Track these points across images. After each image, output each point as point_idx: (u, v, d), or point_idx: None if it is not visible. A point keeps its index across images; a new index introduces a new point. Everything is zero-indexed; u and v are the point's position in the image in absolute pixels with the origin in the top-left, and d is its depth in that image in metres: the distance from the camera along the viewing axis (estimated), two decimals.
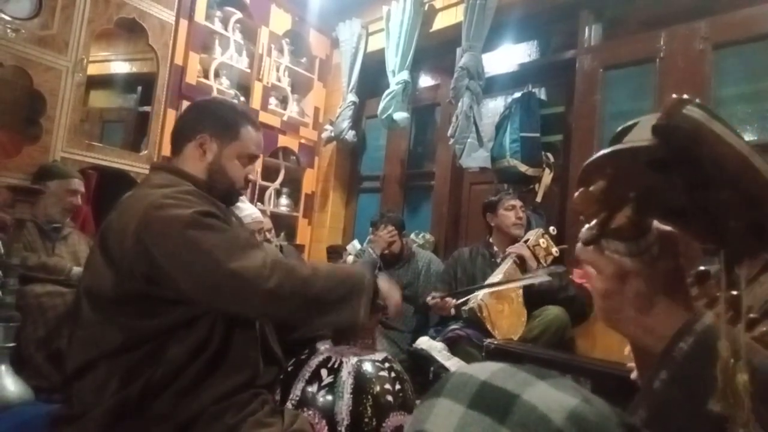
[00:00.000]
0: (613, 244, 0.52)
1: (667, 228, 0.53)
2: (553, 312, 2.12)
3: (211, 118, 1.19)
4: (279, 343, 1.24)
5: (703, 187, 0.45)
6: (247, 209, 2.34)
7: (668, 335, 0.49)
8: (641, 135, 0.47)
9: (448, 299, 2.25)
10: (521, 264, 2.27)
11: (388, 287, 1.14)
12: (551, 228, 2.45)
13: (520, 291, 2.23)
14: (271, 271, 0.96)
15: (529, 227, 2.48)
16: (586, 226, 0.51)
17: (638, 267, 0.51)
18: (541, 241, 2.33)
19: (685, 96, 0.44)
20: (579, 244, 0.55)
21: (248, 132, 1.21)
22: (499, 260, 2.39)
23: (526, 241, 2.34)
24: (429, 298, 2.32)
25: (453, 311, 2.25)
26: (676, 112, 0.44)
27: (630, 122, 0.50)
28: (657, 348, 0.50)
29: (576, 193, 0.50)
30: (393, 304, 1.14)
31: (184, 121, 1.23)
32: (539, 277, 2.09)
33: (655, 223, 0.52)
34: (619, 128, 0.51)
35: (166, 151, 1.31)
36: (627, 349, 1.38)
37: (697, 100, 0.44)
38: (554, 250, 2.35)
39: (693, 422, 0.45)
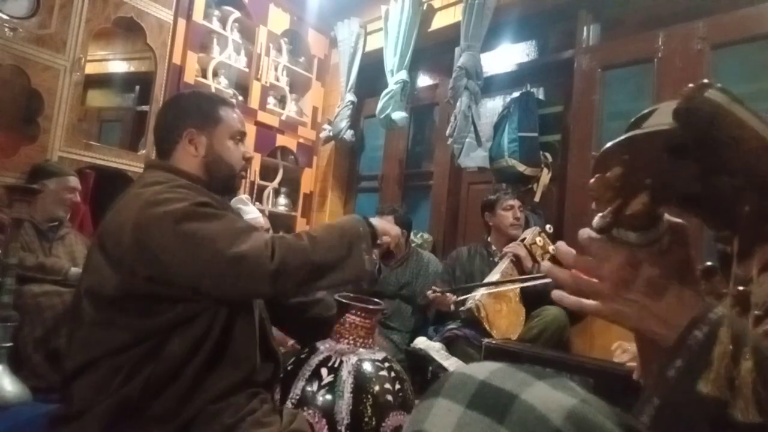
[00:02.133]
0: (623, 233, 0.51)
1: (678, 220, 0.53)
2: (552, 312, 2.12)
3: (189, 112, 1.19)
4: (299, 324, 1.25)
5: (719, 172, 0.45)
6: (250, 212, 2.32)
7: (681, 324, 0.48)
8: (661, 120, 0.47)
9: (449, 294, 2.25)
10: (518, 263, 2.28)
11: (383, 225, 1.15)
12: (548, 226, 2.46)
13: (518, 290, 2.23)
14: (273, 250, 0.97)
15: (527, 227, 2.48)
16: (599, 214, 0.51)
17: (650, 256, 0.51)
18: (538, 239, 2.34)
19: (707, 80, 0.44)
20: (584, 233, 0.54)
21: (227, 112, 1.21)
22: (497, 259, 2.39)
23: (522, 240, 2.34)
24: (430, 292, 2.31)
25: (453, 307, 2.24)
26: (698, 96, 0.44)
27: (647, 109, 0.50)
28: (668, 338, 0.49)
29: (592, 179, 0.50)
30: (392, 238, 1.16)
31: (165, 123, 1.21)
32: (543, 278, 2.09)
33: (666, 215, 0.52)
34: (636, 115, 0.50)
35: (155, 148, 1.31)
36: (615, 345, 1.37)
37: (719, 84, 0.44)
38: (551, 248, 2.35)
39: (707, 410, 0.45)
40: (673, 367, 0.47)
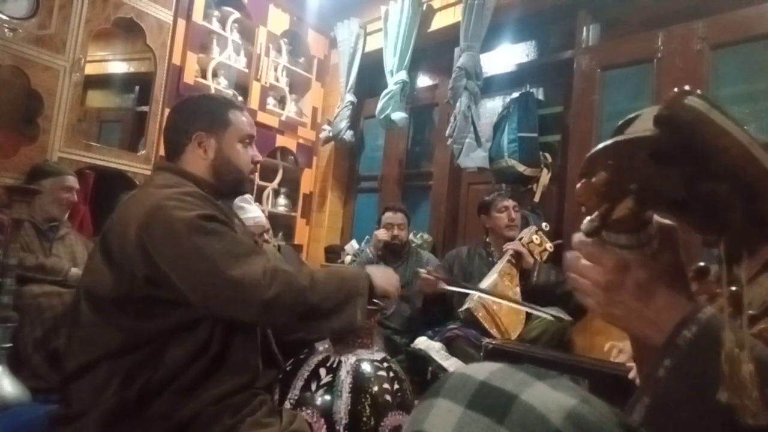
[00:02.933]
0: (613, 236, 0.52)
1: (668, 222, 0.53)
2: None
3: (199, 115, 1.19)
4: (278, 344, 1.23)
5: (703, 178, 0.45)
6: (251, 211, 2.31)
7: (670, 326, 0.49)
8: (643, 126, 0.47)
9: (440, 281, 2.24)
10: (517, 262, 2.28)
11: (381, 276, 1.13)
12: (544, 224, 2.46)
13: (518, 289, 2.23)
14: (270, 281, 0.96)
15: (526, 226, 2.48)
16: (588, 218, 0.51)
17: (639, 259, 0.52)
18: (534, 237, 2.34)
19: (688, 87, 0.45)
20: (576, 237, 0.55)
21: (236, 115, 1.21)
22: (496, 260, 2.39)
23: (520, 240, 2.34)
24: (422, 270, 2.29)
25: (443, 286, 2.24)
26: (678, 103, 0.44)
27: (632, 114, 0.50)
28: (658, 339, 0.50)
29: (578, 185, 0.51)
30: (391, 296, 1.14)
31: (174, 125, 1.21)
32: (542, 311, 2.10)
33: (656, 217, 0.52)
34: (621, 120, 0.51)
35: (164, 151, 1.31)
36: (607, 346, 1.38)
37: (699, 91, 0.44)
38: (548, 245, 2.35)
39: (697, 409, 0.45)
40: (663, 367, 0.48)
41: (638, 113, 0.50)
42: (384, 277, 1.14)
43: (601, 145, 0.49)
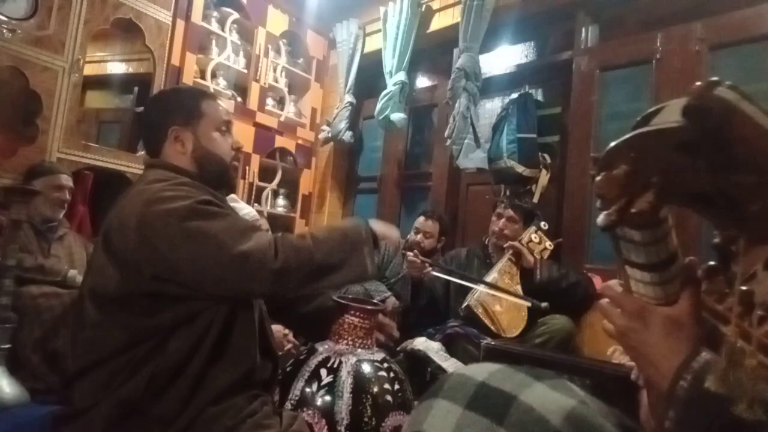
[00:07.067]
0: (628, 232, 0.51)
1: (691, 258, 0.54)
2: (559, 322, 2.12)
3: (172, 110, 1.19)
4: (296, 316, 1.28)
5: (727, 170, 0.45)
6: (243, 209, 2.32)
7: (671, 374, 0.50)
8: (669, 117, 0.46)
9: (427, 265, 2.25)
10: (517, 260, 2.28)
11: (384, 229, 1.14)
12: (542, 223, 2.45)
13: (519, 287, 2.22)
14: (277, 249, 0.98)
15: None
16: (604, 212, 0.51)
17: (656, 308, 0.52)
18: (533, 236, 2.34)
19: (716, 78, 0.44)
20: (603, 285, 0.58)
21: (210, 104, 1.21)
22: (494, 262, 2.39)
23: (519, 240, 2.34)
24: (410, 254, 2.30)
25: (424, 277, 2.27)
26: (708, 93, 0.44)
27: (655, 107, 0.50)
28: (662, 384, 0.51)
29: (598, 177, 0.50)
30: (392, 243, 1.15)
31: (150, 123, 1.22)
32: (525, 299, 2.11)
33: (683, 260, 0.53)
34: (643, 113, 0.50)
35: (144, 149, 1.31)
36: (610, 351, 1.39)
37: (729, 82, 0.44)
38: (548, 243, 2.35)
39: None
40: (668, 419, 0.49)
41: (662, 105, 0.49)
42: (383, 225, 1.15)
43: (623, 137, 0.48)
